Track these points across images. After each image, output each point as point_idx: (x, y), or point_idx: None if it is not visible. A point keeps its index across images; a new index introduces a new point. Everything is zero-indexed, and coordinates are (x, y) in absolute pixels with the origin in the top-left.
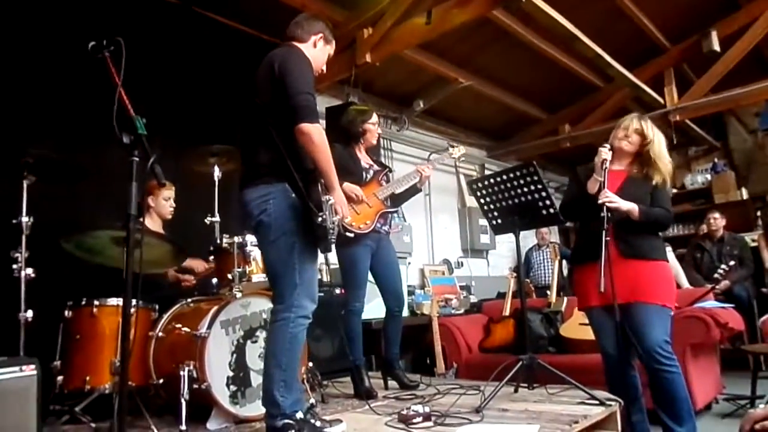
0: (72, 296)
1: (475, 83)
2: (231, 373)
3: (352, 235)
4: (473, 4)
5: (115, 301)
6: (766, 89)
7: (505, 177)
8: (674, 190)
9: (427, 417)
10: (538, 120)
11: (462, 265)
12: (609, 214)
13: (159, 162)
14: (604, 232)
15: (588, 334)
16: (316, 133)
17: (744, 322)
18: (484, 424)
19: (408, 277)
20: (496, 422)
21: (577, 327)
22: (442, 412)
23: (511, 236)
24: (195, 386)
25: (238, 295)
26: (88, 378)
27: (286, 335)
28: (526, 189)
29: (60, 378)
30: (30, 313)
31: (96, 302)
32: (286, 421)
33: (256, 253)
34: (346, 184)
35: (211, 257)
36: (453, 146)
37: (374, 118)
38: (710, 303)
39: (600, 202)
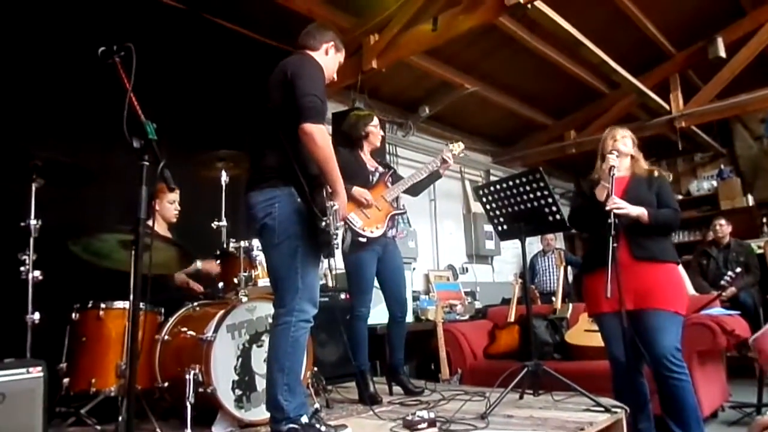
0: (79, 299)
1: (481, 89)
2: (236, 377)
3: (365, 240)
4: (479, 11)
5: (122, 304)
6: None
7: (511, 183)
8: (679, 197)
9: (431, 423)
10: (543, 126)
11: (467, 270)
12: (617, 221)
13: (167, 166)
14: (611, 239)
15: (593, 340)
16: (318, 133)
17: (750, 329)
18: (489, 431)
19: (413, 283)
20: (501, 429)
21: (582, 333)
22: (446, 418)
23: (515, 242)
24: (200, 390)
25: (244, 299)
26: (93, 380)
27: (288, 339)
28: (532, 195)
29: (66, 380)
30: (37, 316)
31: (102, 305)
32: (291, 425)
33: (262, 257)
34: (355, 188)
35: (218, 261)
36: (452, 143)
37: (375, 120)
38: (716, 310)
39: (608, 208)
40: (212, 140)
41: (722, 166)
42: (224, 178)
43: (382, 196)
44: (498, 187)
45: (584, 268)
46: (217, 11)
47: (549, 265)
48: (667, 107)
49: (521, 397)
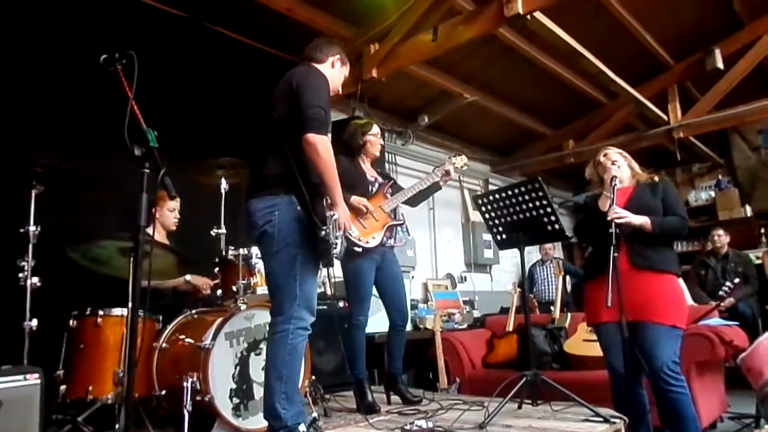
0: (77, 306)
1: (480, 99)
2: (234, 386)
3: (360, 249)
4: (479, 22)
5: (120, 312)
6: None
7: (510, 192)
8: None
9: None
10: (542, 135)
11: (465, 279)
12: (618, 231)
13: (168, 174)
14: (612, 248)
15: (592, 350)
16: (321, 144)
17: (749, 339)
18: None
19: (411, 292)
20: None
21: (580, 343)
22: (445, 428)
23: (514, 251)
24: (198, 398)
25: (243, 307)
26: (90, 388)
27: (286, 347)
28: (531, 204)
29: (63, 387)
30: (35, 322)
31: (101, 312)
32: None
33: (261, 265)
34: (354, 197)
35: (217, 269)
36: (455, 155)
37: (374, 129)
38: (715, 320)
39: (609, 218)
40: (212, 148)
41: (720, 177)
42: (224, 185)
43: (380, 207)
44: (497, 196)
45: (585, 277)
46: (219, 20)
47: (548, 274)
48: (665, 118)
49: (520, 407)
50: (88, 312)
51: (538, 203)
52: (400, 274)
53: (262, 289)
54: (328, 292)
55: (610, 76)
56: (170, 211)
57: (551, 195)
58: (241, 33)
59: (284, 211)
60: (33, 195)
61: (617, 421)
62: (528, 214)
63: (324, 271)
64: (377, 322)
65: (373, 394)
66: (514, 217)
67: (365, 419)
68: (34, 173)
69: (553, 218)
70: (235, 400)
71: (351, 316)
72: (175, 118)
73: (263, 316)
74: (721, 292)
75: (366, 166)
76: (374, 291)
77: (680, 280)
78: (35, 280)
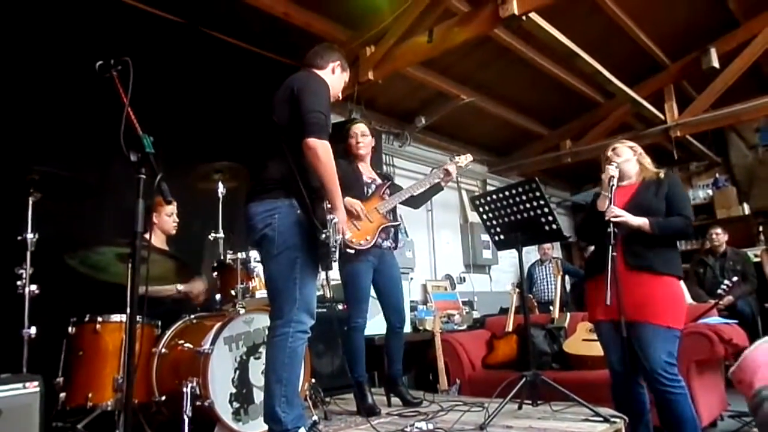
0: (75, 312)
1: (477, 99)
2: (234, 390)
3: (353, 251)
4: (474, 23)
5: (119, 318)
6: (766, 105)
7: (507, 193)
8: None
9: None
10: (539, 136)
11: (464, 280)
12: (615, 230)
13: (164, 179)
14: (610, 247)
15: (592, 350)
16: (321, 148)
17: (748, 337)
18: None
19: (410, 293)
20: None
21: (580, 343)
22: (445, 430)
23: (513, 251)
24: (198, 403)
25: (242, 311)
26: (90, 395)
27: (285, 350)
28: (528, 205)
29: (63, 395)
30: (33, 330)
31: (99, 318)
32: None
33: (259, 269)
34: (347, 199)
35: (215, 273)
36: (459, 154)
37: (356, 127)
38: (714, 319)
39: (607, 218)
40: (209, 152)
41: (717, 175)
42: (221, 190)
43: (376, 208)
44: (494, 197)
45: (585, 276)
46: (216, 25)
47: (546, 274)
48: (662, 117)
49: (520, 408)
50: (86, 319)
51: (535, 203)
52: (398, 276)
53: (261, 293)
54: (327, 294)
55: (607, 76)
56: (168, 216)
57: (549, 195)
58: (237, 37)
59: (284, 215)
60: (30, 202)
61: (617, 420)
62: (525, 215)
63: (323, 274)
64: (377, 324)
65: (374, 397)
66: (512, 218)
67: (366, 422)
68: (32, 180)
69: (550, 218)
70: (235, 405)
71: (349, 319)
72: (172, 123)
73: (262, 320)
74: (719, 291)
75: (364, 168)
76: (373, 293)
77: (681, 282)
78: (33, 287)
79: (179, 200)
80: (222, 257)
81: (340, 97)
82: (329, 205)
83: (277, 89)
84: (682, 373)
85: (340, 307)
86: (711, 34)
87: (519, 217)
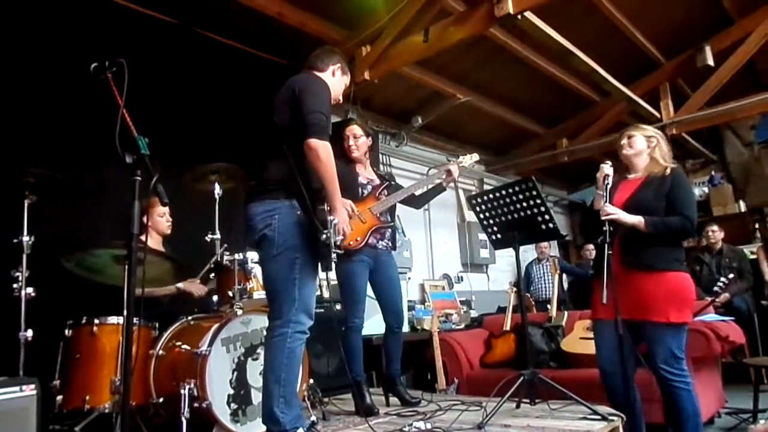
0: (72, 315)
1: (473, 99)
2: (232, 391)
3: (342, 252)
4: (470, 22)
5: (116, 320)
6: (761, 103)
7: (504, 192)
8: None
9: None
10: (535, 135)
11: (462, 279)
12: (611, 228)
13: (160, 180)
14: (606, 246)
15: (589, 348)
16: (322, 149)
17: (744, 335)
18: None
19: (408, 293)
20: None
21: (577, 341)
22: (444, 429)
23: (510, 250)
24: (195, 405)
25: (239, 312)
26: (87, 397)
27: (284, 350)
28: (525, 204)
29: (59, 397)
30: (30, 333)
31: (96, 321)
32: None
33: (257, 270)
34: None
35: (212, 274)
36: (462, 154)
37: (349, 129)
38: (710, 316)
39: (602, 217)
40: (205, 154)
41: (713, 173)
42: (217, 191)
43: (369, 209)
44: (491, 196)
45: (592, 274)
46: (210, 26)
47: (544, 273)
48: (657, 115)
49: (518, 407)
50: (83, 321)
51: (532, 202)
52: (395, 277)
53: (259, 294)
54: (325, 295)
55: (602, 74)
56: (161, 216)
57: (546, 194)
58: (232, 38)
59: (285, 215)
60: (26, 205)
61: (615, 418)
62: (522, 214)
63: (321, 275)
64: (375, 324)
65: (372, 397)
66: (509, 217)
67: (364, 421)
68: (27, 183)
69: (547, 217)
70: (233, 406)
71: (346, 319)
72: (168, 125)
73: (260, 321)
74: (716, 288)
75: (362, 169)
76: (370, 293)
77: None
78: (30, 290)
79: (175, 202)
80: (219, 258)
81: (341, 100)
82: (328, 206)
83: (272, 89)
84: None
85: (338, 307)
86: (706, 32)
87: (516, 216)
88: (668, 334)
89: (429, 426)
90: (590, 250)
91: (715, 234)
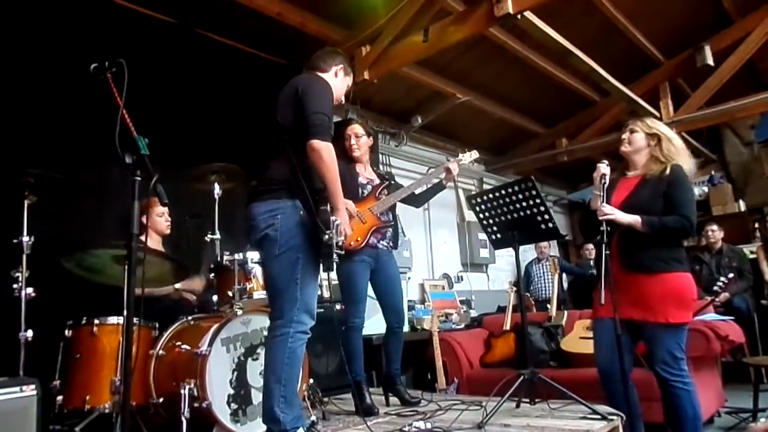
0: (72, 315)
1: (473, 98)
2: (232, 391)
3: (342, 252)
4: (469, 22)
5: (116, 320)
6: (761, 102)
7: (503, 192)
8: None
9: None
10: (535, 134)
11: (462, 279)
12: (609, 228)
13: (160, 181)
14: (604, 246)
15: (589, 347)
16: (325, 150)
17: (744, 334)
18: None
19: (408, 292)
20: None
21: (577, 341)
22: (444, 429)
23: (510, 250)
24: (195, 405)
25: (239, 312)
26: (88, 397)
27: (285, 350)
28: (524, 204)
29: (60, 398)
30: (30, 333)
31: (96, 321)
32: None
33: (256, 270)
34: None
35: (212, 274)
36: (463, 152)
37: (350, 128)
38: (710, 316)
39: (599, 217)
40: (205, 153)
41: (713, 172)
42: (217, 191)
43: (369, 209)
44: (490, 196)
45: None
46: (209, 25)
47: (544, 272)
48: (657, 114)
49: (518, 406)
50: (83, 321)
51: (531, 202)
52: (396, 276)
53: (259, 294)
54: (326, 294)
55: (602, 74)
56: (159, 216)
57: (545, 193)
58: (231, 38)
59: (287, 215)
60: (26, 205)
61: (614, 418)
62: (522, 213)
63: (323, 275)
64: (375, 323)
65: (372, 396)
66: (508, 217)
67: (364, 422)
68: (27, 183)
69: (546, 216)
70: (233, 406)
71: (346, 319)
72: (167, 125)
73: (260, 321)
74: (715, 287)
75: (362, 169)
76: (372, 293)
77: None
78: (30, 290)
79: (175, 202)
80: (219, 258)
81: (342, 101)
82: (331, 207)
83: (271, 89)
84: None
85: (338, 306)
86: (705, 32)
87: (515, 215)
88: (667, 334)
89: (429, 426)
90: (590, 249)
91: (715, 233)
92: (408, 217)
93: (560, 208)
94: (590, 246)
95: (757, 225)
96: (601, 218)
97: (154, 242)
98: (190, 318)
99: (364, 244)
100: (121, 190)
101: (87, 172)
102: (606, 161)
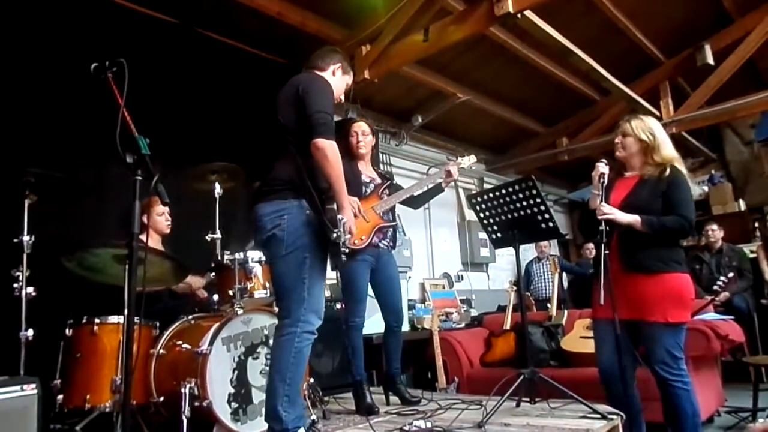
0: (73, 314)
1: (473, 98)
2: (232, 390)
3: (346, 250)
4: (470, 21)
5: (116, 319)
6: (761, 101)
7: (504, 191)
8: None
9: None
10: (535, 133)
11: (462, 278)
12: (608, 228)
13: (160, 181)
14: (603, 246)
15: (589, 347)
16: (330, 149)
17: (744, 333)
18: None
19: (408, 292)
20: None
21: (578, 340)
22: (444, 428)
23: (510, 249)
24: (196, 404)
25: (240, 311)
26: (88, 396)
27: (292, 350)
28: (525, 203)
29: (60, 397)
30: (30, 332)
31: (97, 320)
32: None
33: (257, 269)
34: None
35: (213, 274)
36: (461, 155)
37: (357, 126)
38: (710, 315)
39: (598, 217)
40: (205, 153)
41: (713, 172)
42: (218, 190)
43: (372, 208)
44: (491, 195)
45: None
46: (210, 25)
47: (544, 271)
48: (657, 113)
49: (518, 405)
50: (84, 320)
51: (531, 201)
52: (396, 276)
53: (259, 293)
54: (327, 294)
55: (602, 73)
56: (159, 216)
57: (546, 193)
58: (231, 37)
59: (294, 215)
60: (26, 204)
61: (614, 417)
62: (522, 213)
63: (331, 274)
64: (375, 323)
65: (373, 396)
66: (508, 216)
67: (364, 420)
68: (27, 182)
69: (546, 216)
70: (234, 405)
71: (347, 318)
72: (168, 124)
73: (260, 321)
74: (715, 287)
75: (363, 167)
76: (371, 292)
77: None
78: (30, 289)
79: (175, 201)
80: (219, 258)
81: (342, 100)
82: (337, 205)
83: (272, 89)
84: None
85: (338, 306)
86: (705, 31)
87: (516, 215)
88: (666, 334)
89: (429, 425)
90: (590, 248)
91: (715, 233)
92: (408, 217)
93: (560, 207)
94: (590, 245)
95: (757, 224)
96: (600, 218)
97: (153, 242)
98: (190, 317)
99: (367, 243)
100: (121, 190)
101: (87, 172)
102: (605, 160)
